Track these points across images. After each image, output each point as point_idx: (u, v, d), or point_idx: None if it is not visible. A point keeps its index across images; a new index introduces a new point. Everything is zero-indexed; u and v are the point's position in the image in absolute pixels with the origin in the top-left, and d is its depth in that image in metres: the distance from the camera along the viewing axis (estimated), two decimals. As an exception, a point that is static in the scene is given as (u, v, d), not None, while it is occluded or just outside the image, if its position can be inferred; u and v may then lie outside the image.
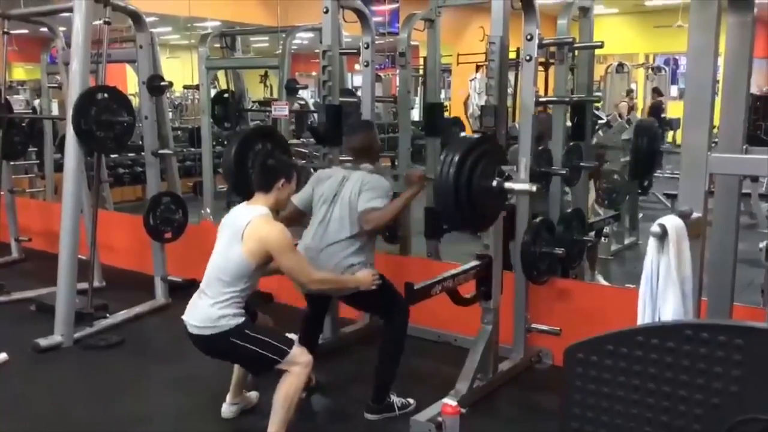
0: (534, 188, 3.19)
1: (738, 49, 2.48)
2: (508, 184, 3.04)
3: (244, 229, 2.90)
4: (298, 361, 2.93)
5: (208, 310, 2.90)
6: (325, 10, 4.07)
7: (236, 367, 3.28)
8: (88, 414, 3.54)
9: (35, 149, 7.34)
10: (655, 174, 6.02)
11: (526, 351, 3.89)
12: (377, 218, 3.31)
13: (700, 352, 1.45)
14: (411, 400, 3.43)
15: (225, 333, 2.88)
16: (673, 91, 13.46)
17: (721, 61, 2.36)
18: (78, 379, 4.04)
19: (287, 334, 3.03)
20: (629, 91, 9.06)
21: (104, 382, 3.91)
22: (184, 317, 3.00)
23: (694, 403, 1.46)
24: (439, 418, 3.09)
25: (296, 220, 3.61)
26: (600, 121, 6.61)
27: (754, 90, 10.16)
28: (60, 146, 5.82)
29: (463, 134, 6.78)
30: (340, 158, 4.02)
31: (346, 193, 3.38)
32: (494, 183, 3.01)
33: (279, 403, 2.92)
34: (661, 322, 1.90)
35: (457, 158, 2.88)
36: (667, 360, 1.48)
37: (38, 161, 7.52)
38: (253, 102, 9.29)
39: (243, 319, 2.93)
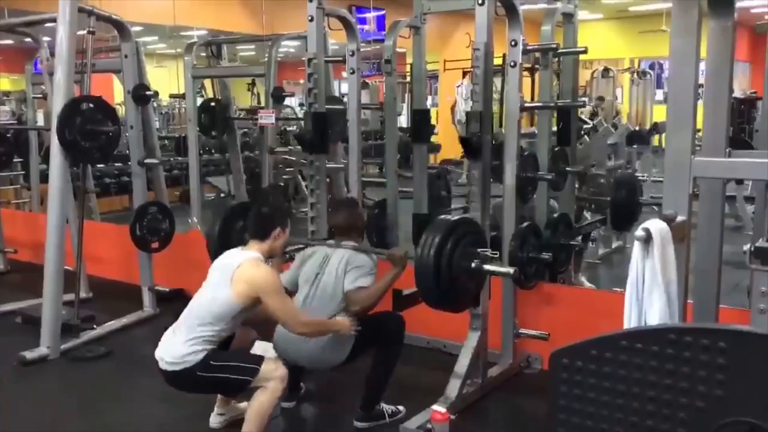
0: (512, 271, 3.14)
1: (720, 53, 2.50)
2: (487, 266, 3.03)
3: (235, 270, 2.92)
4: (272, 377, 2.94)
5: (178, 348, 2.91)
6: (310, 18, 4.08)
7: None
8: (75, 426, 3.51)
9: (20, 160, 7.30)
10: (642, 178, 6.01)
11: (515, 356, 3.89)
12: (364, 299, 3.24)
13: (684, 355, 1.45)
14: (401, 407, 3.42)
15: (191, 369, 2.89)
16: (659, 95, 13.57)
17: (703, 65, 2.38)
18: (65, 391, 4.01)
19: (259, 343, 3.02)
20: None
21: (91, 394, 3.88)
22: (156, 353, 3.00)
23: (678, 406, 1.46)
24: (429, 425, 3.09)
25: None
26: (585, 126, 6.65)
27: (737, 93, 10.27)
28: (45, 157, 5.80)
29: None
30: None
31: (331, 272, 3.30)
32: (473, 264, 3.01)
33: (252, 417, 2.94)
34: (645, 327, 1.90)
35: (437, 240, 2.90)
36: (652, 364, 1.48)
37: (24, 172, 7.47)
38: (240, 110, 9.28)
39: (206, 352, 2.92)
